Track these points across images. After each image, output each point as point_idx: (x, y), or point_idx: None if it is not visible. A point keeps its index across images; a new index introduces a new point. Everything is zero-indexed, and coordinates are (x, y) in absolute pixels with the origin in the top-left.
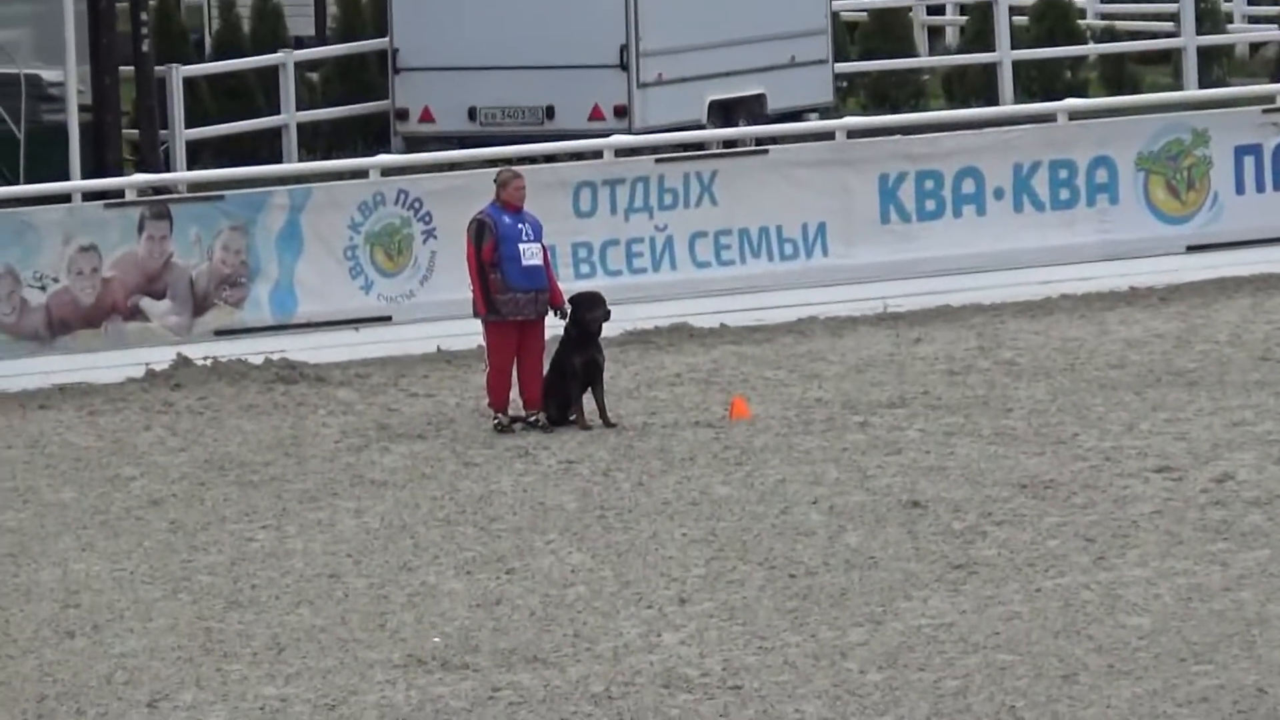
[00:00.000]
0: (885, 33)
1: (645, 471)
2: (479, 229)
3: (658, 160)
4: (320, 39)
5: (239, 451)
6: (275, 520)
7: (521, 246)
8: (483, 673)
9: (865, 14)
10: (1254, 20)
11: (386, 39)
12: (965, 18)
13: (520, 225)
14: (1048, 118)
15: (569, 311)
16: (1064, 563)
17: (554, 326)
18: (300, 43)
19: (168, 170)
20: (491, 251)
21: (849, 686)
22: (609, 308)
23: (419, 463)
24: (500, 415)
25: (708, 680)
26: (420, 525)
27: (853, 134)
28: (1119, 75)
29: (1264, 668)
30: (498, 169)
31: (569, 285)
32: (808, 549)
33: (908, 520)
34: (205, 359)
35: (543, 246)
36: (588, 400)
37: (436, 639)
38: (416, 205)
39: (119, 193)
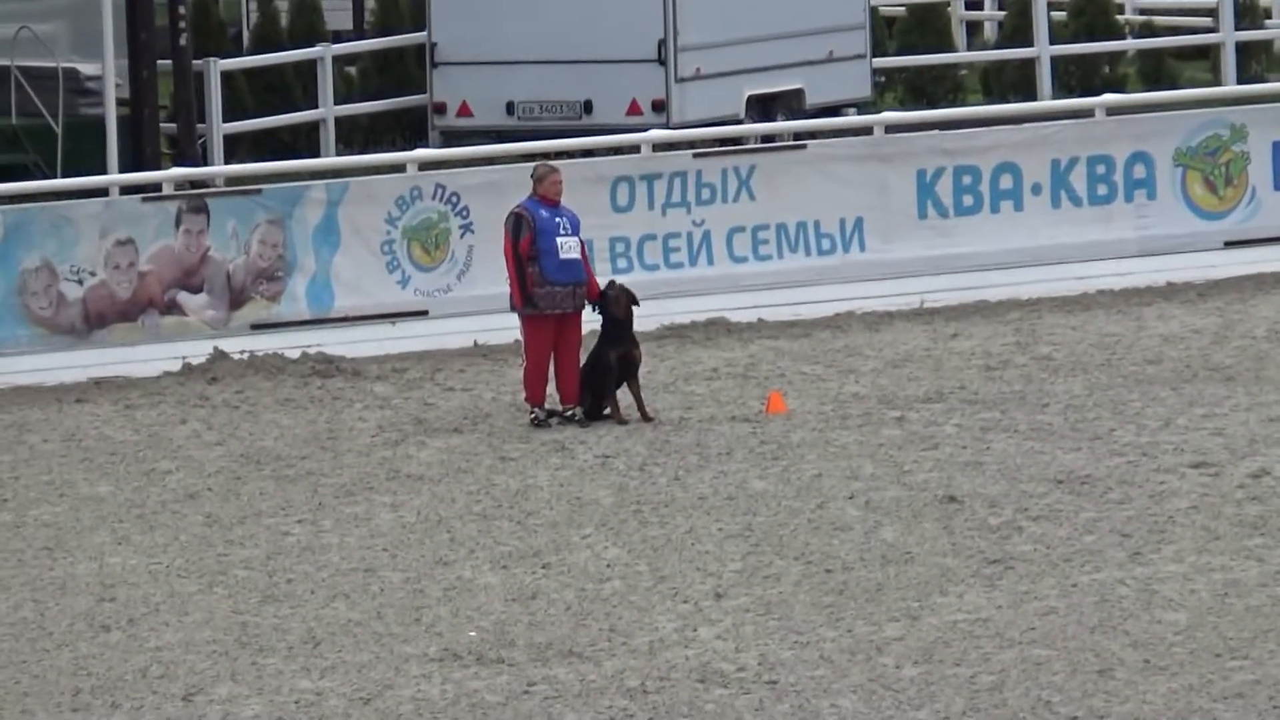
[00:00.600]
0: (923, 27)
1: (681, 466)
2: (516, 222)
3: (695, 155)
4: (358, 33)
5: (275, 445)
6: (311, 514)
7: (559, 240)
8: (518, 667)
9: (903, 8)
10: None
11: (424, 33)
12: (1003, 13)
13: (558, 219)
14: (1086, 113)
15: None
16: (1100, 558)
17: (591, 321)
18: (338, 37)
19: (205, 164)
20: (529, 245)
21: (884, 681)
22: (629, 292)
23: (455, 457)
24: (537, 410)
25: (743, 675)
26: (456, 519)
27: (890, 129)
28: (1157, 71)
29: None
30: (535, 164)
31: (604, 279)
32: (844, 544)
33: (944, 515)
34: (242, 353)
35: (580, 241)
36: (624, 395)
37: (472, 633)
38: (454, 200)
39: (156, 186)
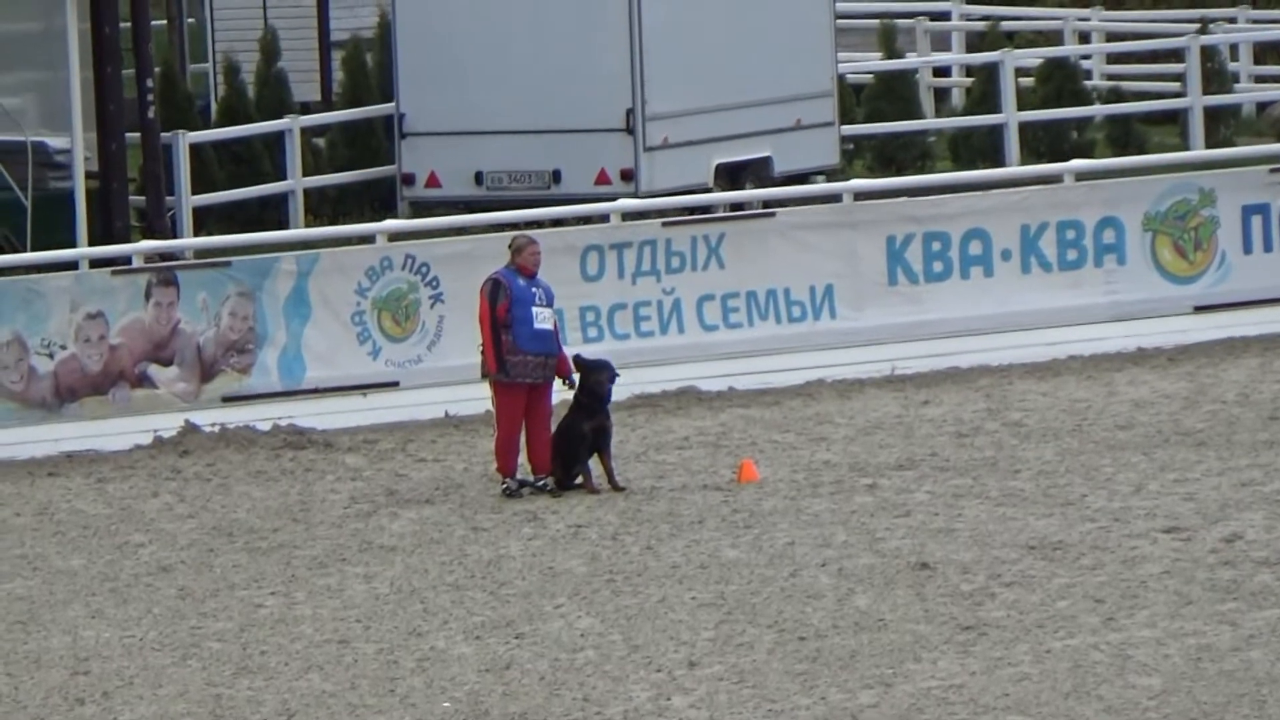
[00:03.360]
0: (891, 95)
1: (654, 535)
2: (494, 287)
3: (665, 224)
4: (326, 104)
5: (247, 518)
6: (284, 586)
7: (534, 310)
8: None
9: (871, 76)
10: (1260, 80)
11: (392, 104)
12: (971, 79)
13: (533, 290)
14: (1054, 179)
15: (576, 381)
16: (1073, 624)
17: (561, 393)
18: (306, 108)
19: (175, 237)
20: (505, 312)
21: None
22: (617, 371)
23: (427, 528)
24: (508, 480)
25: None
26: (429, 590)
27: (859, 196)
28: (1125, 136)
29: None
30: (506, 233)
31: (577, 349)
32: (817, 611)
33: (916, 582)
34: (213, 426)
35: (553, 313)
36: (595, 465)
37: (446, 704)
38: (424, 270)
39: (126, 259)
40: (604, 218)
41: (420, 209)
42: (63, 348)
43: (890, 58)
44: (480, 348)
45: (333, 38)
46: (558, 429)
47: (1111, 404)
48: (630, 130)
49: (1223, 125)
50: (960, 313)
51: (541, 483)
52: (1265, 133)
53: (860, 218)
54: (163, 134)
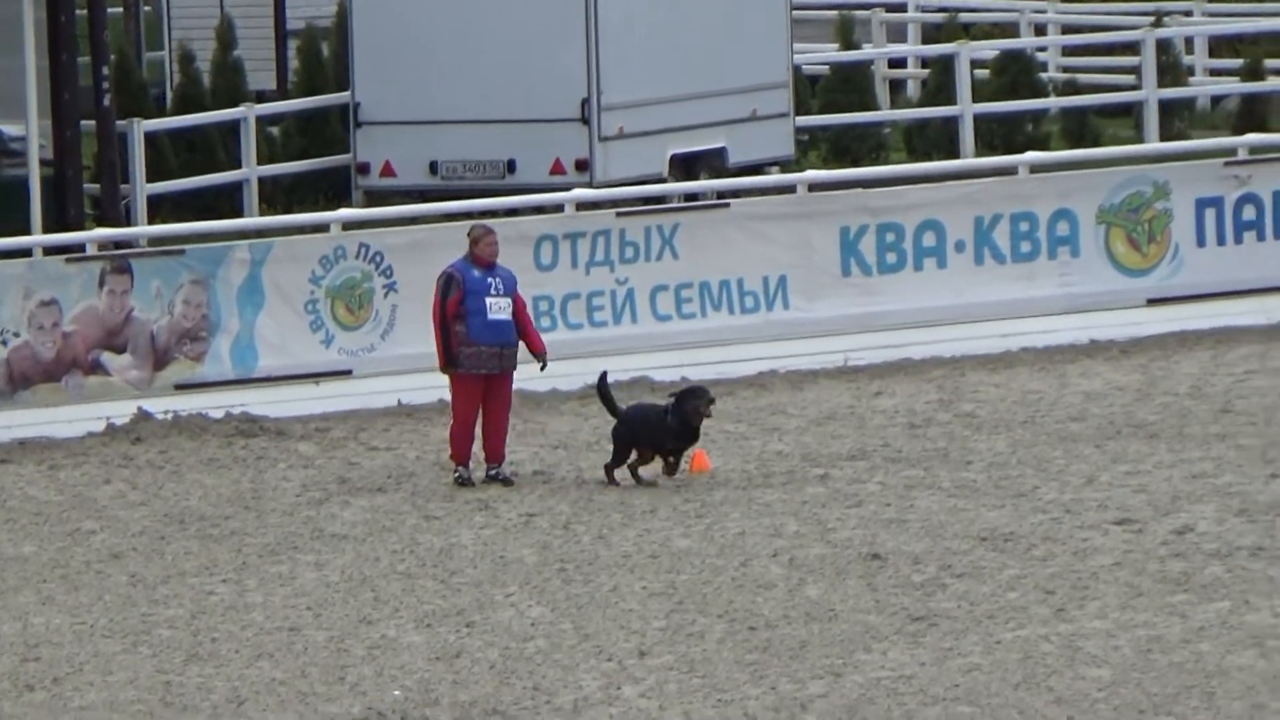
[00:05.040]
0: (846, 86)
1: (605, 524)
2: (446, 282)
3: (619, 214)
4: (281, 93)
5: (199, 505)
6: (235, 574)
7: (489, 301)
8: None
9: (826, 67)
10: (1215, 73)
11: (348, 93)
12: (926, 71)
13: (490, 280)
14: (1009, 171)
15: (546, 361)
16: (1023, 615)
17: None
18: (261, 97)
19: (129, 225)
20: (457, 305)
21: None
22: (713, 397)
23: (379, 516)
24: (461, 468)
25: None
26: (380, 578)
27: (814, 187)
28: (1080, 128)
29: (1222, 719)
30: (461, 223)
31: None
32: (767, 602)
33: (867, 573)
34: (166, 413)
35: (515, 300)
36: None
37: (396, 692)
38: (378, 259)
39: (80, 247)
40: (558, 207)
41: (375, 198)
42: (16, 335)
43: (846, 49)
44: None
45: (289, 26)
46: (634, 423)
47: (1064, 396)
48: (585, 120)
49: (1177, 118)
50: (913, 304)
51: (495, 472)
52: (1220, 126)
53: (814, 209)
54: (118, 122)
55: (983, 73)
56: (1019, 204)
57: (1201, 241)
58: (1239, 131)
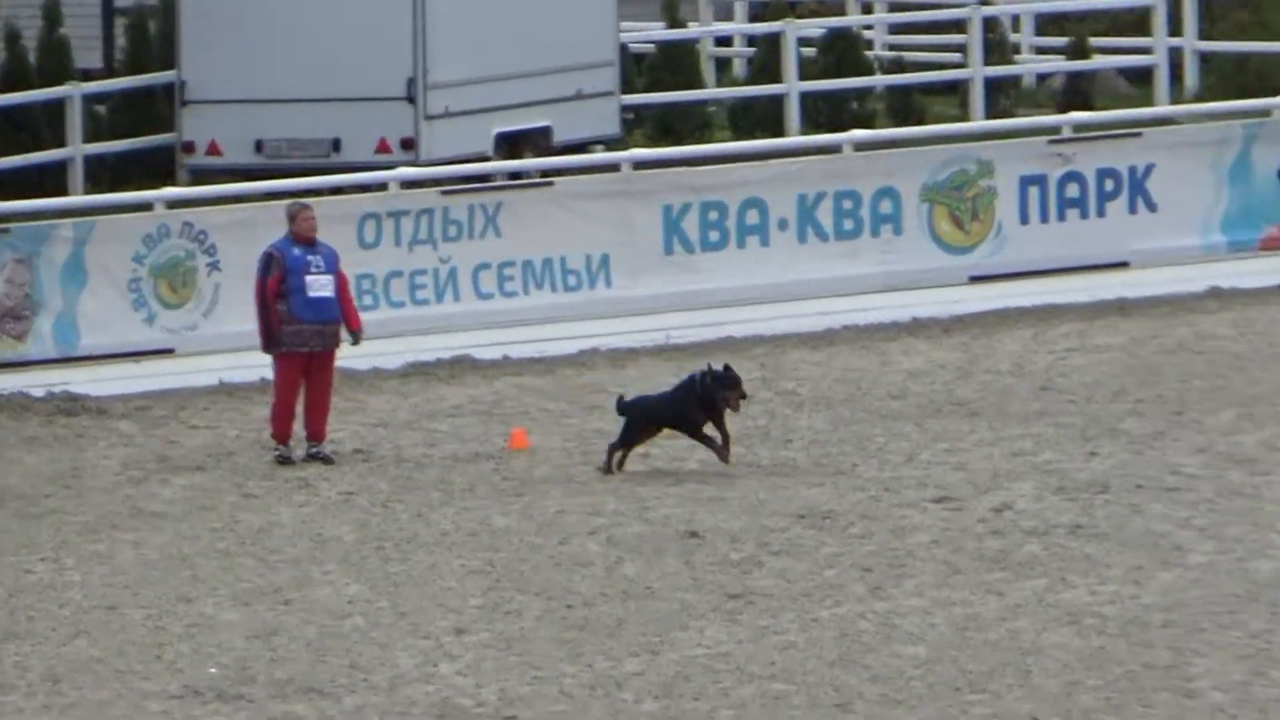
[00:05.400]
0: (672, 65)
1: (424, 503)
2: (266, 261)
3: (442, 192)
4: (108, 71)
5: (18, 484)
6: (54, 552)
7: (309, 279)
8: (258, 703)
9: (652, 46)
10: (1041, 51)
11: (174, 72)
12: (753, 49)
13: (310, 257)
14: (833, 149)
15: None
16: (841, 592)
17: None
18: (87, 75)
19: None
20: (278, 284)
21: (624, 717)
22: (745, 391)
23: (198, 495)
24: (281, 447)
25: (483, 710)
26: (199, 557)
27: (638, 166)
28: (906, 106)
29: (1038, 697)
30: (284, 202)
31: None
32: (585, 579)
33: (685, 551)
34: None
35: (337, 277)
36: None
37: (213, 669)
38: (201, 238)
39: None
40: (382, 186)
41: (201, 177)
42: None
43: (672, 27)
44: None
45: (116, 4)
46: (645, 407)
47: (885, 374)
48: (411, 99)
49: (1003, 96)
50: (736, 282)
51: (316, 450)
52: (1045, 104)
53: (638, 187)
54: None
55: (809, 50)
56: (842, 182)
57: (1025, 219)
58: (1064, 109)
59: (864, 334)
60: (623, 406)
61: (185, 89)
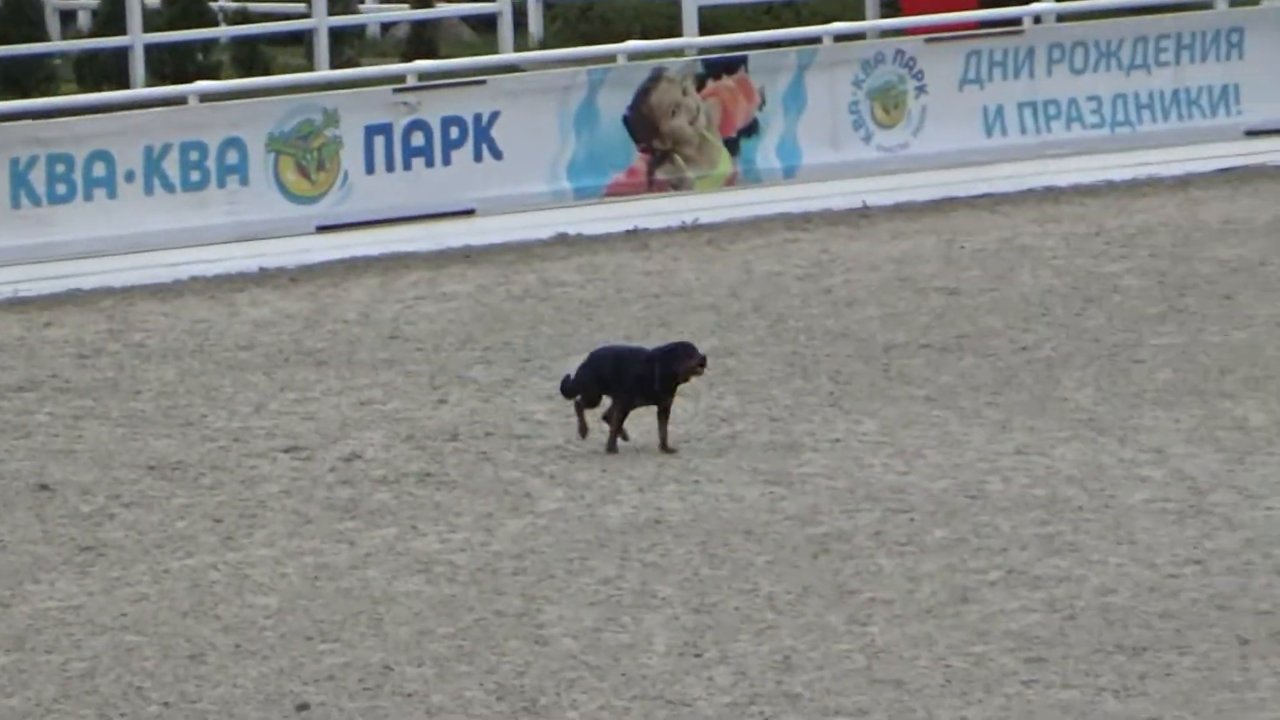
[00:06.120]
0: (17, 18)
1: None
2: None
3: None
4: None
5: None
6: None
7: None
8: None
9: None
10: (385, 1)
11: None
12: (98, 1)
13: None
14: (179, 100)
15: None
16: (192, 543)
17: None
18: None
19: None
20: None
21: None
22: (703, 356)
23: None
24: None
25: None
26: None
27: None
28: (251, 57)
29: (390, 645)
30: None
31: None
32: None
33: (36, 503)
34: None
35: None
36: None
37: None
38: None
39: None
40: None
41: None
42: None
43: None
44: None
45: None
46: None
47: (233, 324)
48: None
49: (348, 46)
50: (83, 234)
51: None
52: (390, 53)
53: None
54: None
55: (154, 3)
56: (189, 133)
57: (371, 169)
58: (409, 58)
59: (212, 284)
60: None
61: None
